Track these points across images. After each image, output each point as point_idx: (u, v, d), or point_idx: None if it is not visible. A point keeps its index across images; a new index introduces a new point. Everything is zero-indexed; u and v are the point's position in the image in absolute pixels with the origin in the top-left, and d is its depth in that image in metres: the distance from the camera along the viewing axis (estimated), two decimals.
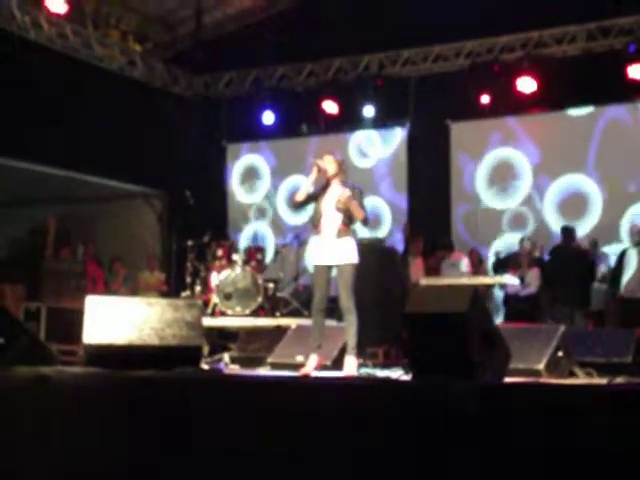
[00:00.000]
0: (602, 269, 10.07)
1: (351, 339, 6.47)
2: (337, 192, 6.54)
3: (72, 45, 11.81)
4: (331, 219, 6.53)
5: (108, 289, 11.49)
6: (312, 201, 6.66)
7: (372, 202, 12.12)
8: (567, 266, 9.84)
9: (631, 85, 10.63)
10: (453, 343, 4.77)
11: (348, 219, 6.51)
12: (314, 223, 6.67)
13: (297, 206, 6.80)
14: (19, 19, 11.06)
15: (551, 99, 11.21)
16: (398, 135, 12.56)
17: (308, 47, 12.44)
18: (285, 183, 13.20)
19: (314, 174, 6.60)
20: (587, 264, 9.95)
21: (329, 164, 6.59)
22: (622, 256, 9.70)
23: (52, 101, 11.01)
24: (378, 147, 12.69)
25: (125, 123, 11.96)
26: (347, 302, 6.45)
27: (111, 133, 11.78)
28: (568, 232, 10.20)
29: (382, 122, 12.49)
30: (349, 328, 6.49)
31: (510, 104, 11.47)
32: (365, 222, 6.63)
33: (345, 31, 12.03)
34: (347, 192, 6.46)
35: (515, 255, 10.53)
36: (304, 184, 6.70)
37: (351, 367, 6.44)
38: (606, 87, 10.69)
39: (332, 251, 6.51)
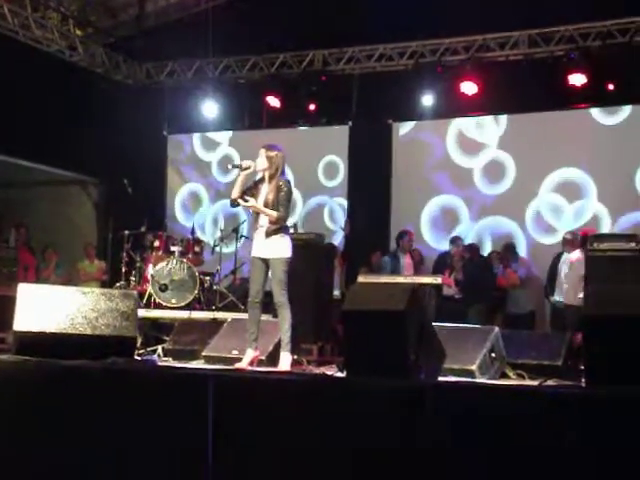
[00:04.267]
0: (521, 275, 10.27)
1: (285, 334, 6.49)
2: (267, 188, 6.56)
3: (9, 26, 11.53)
4: (263, 215, 6.53)
5: (39, 276, 11.28)
6: (250, 197, 6.63)
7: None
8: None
9: (570, 92, 10.79)
10: (389, 341, 4.77)
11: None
12: (253, 218, 6.70)
13: (234, 204, 6.77)
14: None
15: (492, 102, 11.33)
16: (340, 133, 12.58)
17: (252, 40, 12.37)
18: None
19: (240, 176, 6.63)
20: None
21: (260, 158, 6.59)
22: (556, 260, 9.85)
23: None
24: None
25: (64, 108, 11.74)
26: (280, 297, 6.47)
27: (48, 118, 11.55)
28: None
29: (325, 119, 12.48)
30: (283, 323, 6.51)
31: (452, 106, 11.56)
32: (280, 219, 6.51)
33: (290, 26, 12.00)
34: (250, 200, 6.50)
35: (448, 256, 10.63)
36: (236, 184, 6.69)
37: (286, 363, 6.44)
38: (546, 93, 10.86)
39: (265, 245, 6.53)
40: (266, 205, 6.49)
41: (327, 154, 12.65)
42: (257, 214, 6.59)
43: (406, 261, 10.53)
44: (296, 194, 11.75)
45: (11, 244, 11.06)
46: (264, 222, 6.53)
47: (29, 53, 11.77)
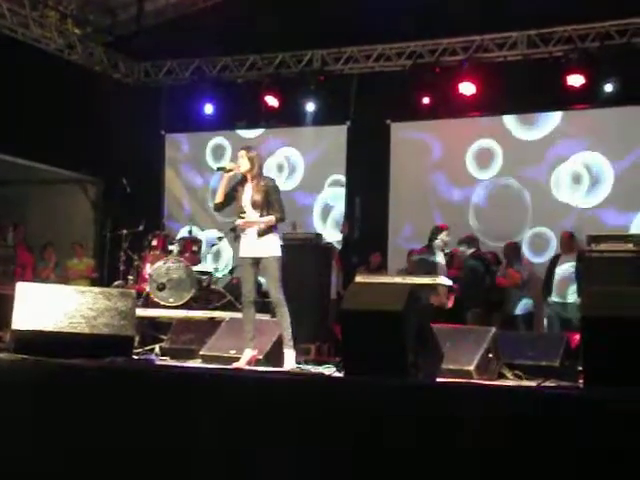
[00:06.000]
0: (523, 275, 10.25)
1: (286, 331, 6.53)
2: (251, 188, 6.60)
3: (8, 25, 11.53)
4: (250, 215, 6.59)
5: (37, 275, 11.28)
6: (232, 200, 6.71)
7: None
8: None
9: (569, 93, 10.81)
10: (387, 341, 4.78)
11: (267, 214, 6.55)
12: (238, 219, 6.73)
13: (218, 208, 6.82)
14: None
15: (490, 103, 11.34)
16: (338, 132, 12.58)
17: (251, 39, 12.37)
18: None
19: (224, 179, 6.71)
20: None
21: (241, 159, 6.65)
22: (554, 261, 9.87)
23: None
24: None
25: (62, 107, 11.72)
26: (277, 295, 6.52)
27: (46, 116, 11.53)
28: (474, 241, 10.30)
29: (323, 119, 12.48)
30: (282, 321, 6.55)
31: (450, 106, 11.56)
32: (280, 221, 6.66)
33: (289, 25, 11.99)
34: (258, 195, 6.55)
35: (452, 256, 10.57)
36: (220, 187, 6.74)
37: (290, 360, 6.49)
38: (544, 94, 10.86)
39: (255, 245, 6.56)
40: (254, 206, 6.55)
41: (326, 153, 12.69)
42: (242, 214, 6.62)
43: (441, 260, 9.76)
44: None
45: (9, 242, 11.06)
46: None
47: (28, 52, 11.77)
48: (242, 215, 6.61)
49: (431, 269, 9.22)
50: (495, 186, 11.58)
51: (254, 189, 6.57)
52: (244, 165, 6.61)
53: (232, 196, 6.69)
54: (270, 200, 6.55)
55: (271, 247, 6.54)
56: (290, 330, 6.52)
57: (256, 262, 6.58)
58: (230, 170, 6.68)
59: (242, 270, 6.75)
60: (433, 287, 8.55)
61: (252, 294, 6.63)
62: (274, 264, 6.51)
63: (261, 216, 6.52)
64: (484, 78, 11.19)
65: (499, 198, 11.52)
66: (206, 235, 11.41)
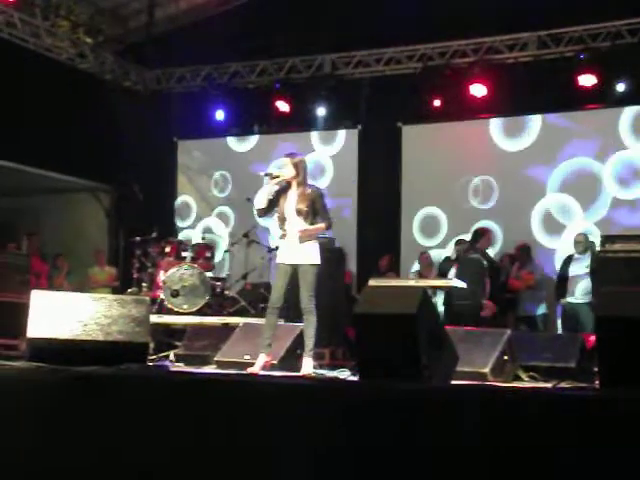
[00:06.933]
0: (537, 276, 10.22)
1: (309, 340, 6.52)
2: (295, 195, 6.57)
3: (20, 34, 11.60)
4: (293, 222, 6.55)
5: (51, 284, 11.32)
6: (275, 206, 6.67)
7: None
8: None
9: (580, 93, 10.78)
10: (402, 344, 4.76)
11: (310, 223, 6.54)
12: (279, 226, 6.70)
13: (262, 214, 6.81)
14: None
15: (502, 105, 11.32)
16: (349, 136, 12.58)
17: (261, 45, 12.40)
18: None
19: (269, 186, 6.64)
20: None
21: (285, 166, 6.61)
22: (567, 262, 9.83)
23: None
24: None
25: (74, 115, 11.78)
26: (308, 303, 6.49)
27: (59, 125, 11.59)
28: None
29: (334, 123, 12.49)
30: (308, 329, 6.53)
31: (461, 108, 11.54)
32: (328, 228, 6.70)
33: (298, 30, 12.02)
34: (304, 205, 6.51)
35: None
36: (263, 193, 6.68)
37: (308, 368, 6.47)
38: (556, 95, 10.84)
39: (295, 252, 6.53)
40: (298, 213, 6.52)
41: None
42: (283, 220, 6.60)
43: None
44: None
45: (23, 252, 11.10)
46: (295, 229, 6.54)
47: (39, 61, 11.84)
48: (283, 222, 6.58)
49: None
50: (508, 188, 11.53)
51: (299, 197, 6.54)
52: (289, 172, 6.57)
53: (275, 203, 6.65)
54: (316, 208, 6.54)
55: (312, 255, 6.52)
56: (314, 340, 6.48)
57: (294, 269, 6.54)
58: (277, 177, 6.63)
59: (277, 275, 6.67)
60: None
61: (280, 302, 6.57)
62: (312, 272, 6.49)
63: (305, 224, 6.52)
64: (495, 80, 11.19)
65: (512, 200, 11.48)
66: (219, 241, 11.44)
